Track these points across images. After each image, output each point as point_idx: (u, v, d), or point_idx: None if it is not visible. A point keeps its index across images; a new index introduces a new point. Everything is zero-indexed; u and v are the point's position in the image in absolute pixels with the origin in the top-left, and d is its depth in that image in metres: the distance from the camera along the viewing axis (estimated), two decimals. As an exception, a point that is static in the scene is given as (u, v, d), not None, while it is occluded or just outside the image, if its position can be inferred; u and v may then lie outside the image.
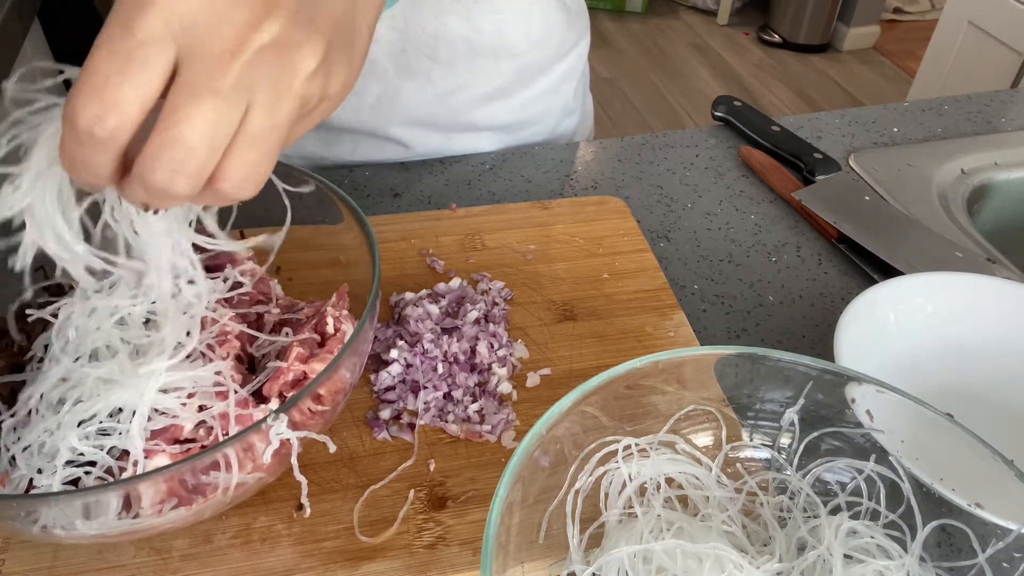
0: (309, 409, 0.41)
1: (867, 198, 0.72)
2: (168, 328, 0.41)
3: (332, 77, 0.33)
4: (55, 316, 0.42)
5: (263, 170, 0.33)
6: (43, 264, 0.45)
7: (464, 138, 0.80)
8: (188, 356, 0.42)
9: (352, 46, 0.35)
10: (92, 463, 0.39)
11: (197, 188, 0.31)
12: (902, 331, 0.57)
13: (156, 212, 0.34)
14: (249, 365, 0.47)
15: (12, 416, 0.41)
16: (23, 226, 0.36)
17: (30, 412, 0.40)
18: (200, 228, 0.41)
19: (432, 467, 0.49)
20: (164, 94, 0.30)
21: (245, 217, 0.53)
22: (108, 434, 0.39)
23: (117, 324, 0.41)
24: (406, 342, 0.54)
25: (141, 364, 0.40)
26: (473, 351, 0.54)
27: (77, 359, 0.40)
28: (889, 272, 0.64)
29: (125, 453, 0.39)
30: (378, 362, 0.54)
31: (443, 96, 0.76)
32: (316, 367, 0.43)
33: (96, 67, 0.29)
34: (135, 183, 0.31)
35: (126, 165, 0.32)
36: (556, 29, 0.78)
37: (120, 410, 0.39)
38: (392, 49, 0.71)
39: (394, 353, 0.53)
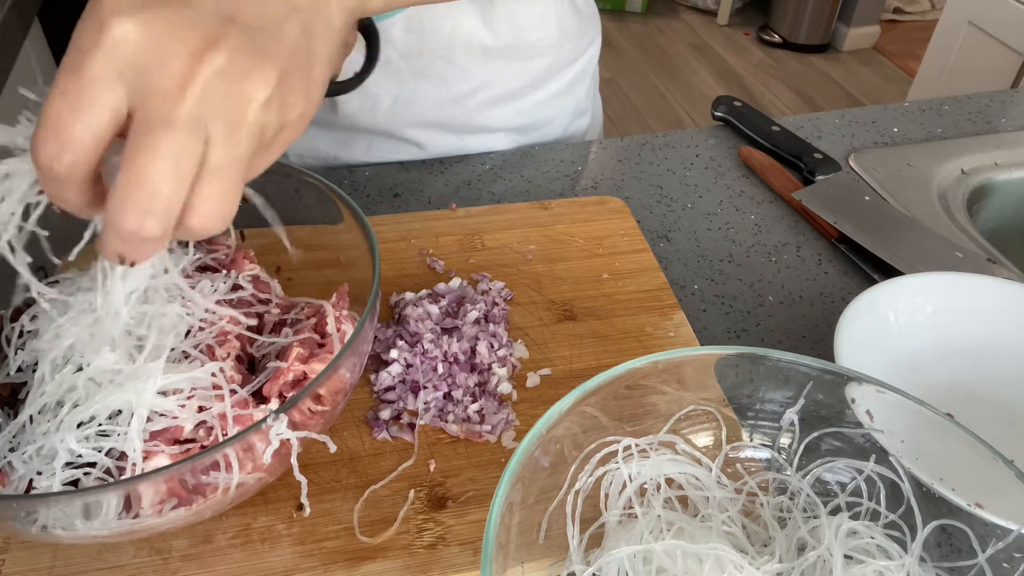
0: (309, 409, 0.41)
1: (867, 198, 0.72)
2: (165, 330, 0.41)
3: (288, 106, 0.33)
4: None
5: (230, 204, 0.33)
6: (43, 264, 0.45)
7: (477, 139, 0.80)
8: (187, 357, 0.42)
9: (309, 73, 0.35)
10: (92, 464, 0.39)
11: (168, 228, 0.31)
12: (902, 331, 0.57)
13: (133, 265, 0.34)
14: (249, 365, 0.47)
15: (11, 420, 0.41)
16: None
17: (30, 417, 0.40)
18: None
19: (432, 467, 0.49)
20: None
21: (246, 218, 0.53)
22: (108, 435, 0.39)
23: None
24: (406, 342, 0.54)
25: (138, 367, 0.40)
26: (473, 351, 0.54)
27: (78, 370, 0.40)
28: (889, 272, 0.64)
29: (125, 454, 0.39)
30: (378, 362, 0.54)
31: (458, 98, 0.76)
32: (316, 367, 0.43)
33: (50, 107, 0.30)
34: (108, 235, 0.32)
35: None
36: (570, 32, 0.79)
37: (119, 412, 0.39)
38: (408, 51, 0.71)
39: (394, 353, 0.53)
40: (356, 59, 0.50)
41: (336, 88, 0.49)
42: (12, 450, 0.40)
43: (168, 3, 0.30)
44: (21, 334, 0.43)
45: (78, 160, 0.31)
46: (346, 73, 0.49)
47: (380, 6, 0.41)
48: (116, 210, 0.30)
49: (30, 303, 0.44)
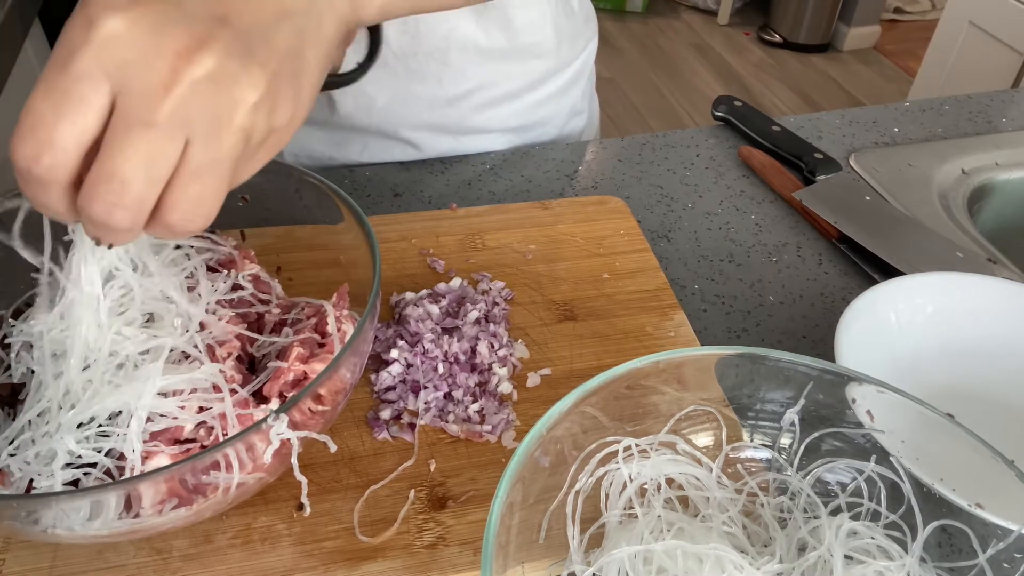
0: (309, 409, 0.41)
1: (867, 198, 0.72)
2: (165, 331, 0.41)
3: (278, 110, 0.33)
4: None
5: (209, 203, 0.32)
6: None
7: (473, 140, 0.80)
8: (187, 357, 0.42)
9: (299, 79, 0.34)
10: (92, 465, 0.39)
11: (139, 221, 0.31)
12: (902, 331, 0.57)
13: (110, 247, 0.34)
14: (249, 365, 0.47)
15: (11, 420, 0.41)
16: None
17: (29, 421, 0.40)
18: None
19: (432, 467, 0.49)
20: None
21: (246, 218, 0.53)
22: (107, 436, 0.39)
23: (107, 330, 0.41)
24: (406, 342, 0.54)
25: (138, 368, 0.40)
26: (473, 351, 0.54)
27: (85, 368, 0.40)
28: (890, 272, 0.64)
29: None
30: (378, 362, 0.54)
31: (453, 99, 0.76)
32: (316, 367, 0.43)
33: (33, 106, 0.30)
34: (83, 218, 0.31)
35: None
36: (566, 34, 0.79)
37: (119, 412, 0.39)
38: (403, 53, 0.71)
39: (394, 353, 0.53)
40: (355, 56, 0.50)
41: (336, 81, 0.48)
42: (12, 455, 0.39)
43: (159, 0, 0.30)
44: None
45: (59, 163, 0.30)
46: (348, 65, 0.49)
47: (374, 16, 0.41)
48: (86, 197, 0.30)
49: (30, 303, 0.44)
